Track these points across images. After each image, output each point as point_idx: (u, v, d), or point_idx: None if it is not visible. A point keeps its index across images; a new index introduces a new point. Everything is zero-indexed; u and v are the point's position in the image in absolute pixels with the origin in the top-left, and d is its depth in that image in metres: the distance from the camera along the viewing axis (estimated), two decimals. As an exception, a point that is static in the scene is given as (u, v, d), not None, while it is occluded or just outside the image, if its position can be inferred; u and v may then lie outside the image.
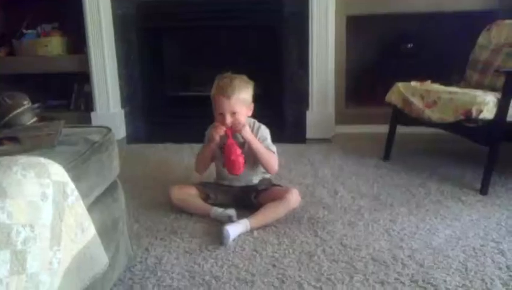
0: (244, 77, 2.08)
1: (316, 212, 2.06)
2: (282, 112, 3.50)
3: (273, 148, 2.14)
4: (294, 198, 1.98)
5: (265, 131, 2.15)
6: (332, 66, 3.28)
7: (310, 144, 3.19)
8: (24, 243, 0.95)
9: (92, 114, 3.51)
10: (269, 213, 1.94)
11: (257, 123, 2.15)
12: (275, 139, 3.19)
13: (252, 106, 2.08)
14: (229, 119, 2.00)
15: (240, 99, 2.00)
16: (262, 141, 2.11)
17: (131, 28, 3.49)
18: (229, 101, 1.99)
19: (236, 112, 2.00)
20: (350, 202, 2.17)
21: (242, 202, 2.08)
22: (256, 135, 2.09)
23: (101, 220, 1.38)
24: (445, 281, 1.51)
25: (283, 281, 1.53)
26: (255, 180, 2.16)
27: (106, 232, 1.41)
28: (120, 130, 3.50)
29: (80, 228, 1.14)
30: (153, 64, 3.64)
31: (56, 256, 1.04)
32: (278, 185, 2.16)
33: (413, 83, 2.59)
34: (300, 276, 1.55)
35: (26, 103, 1.39)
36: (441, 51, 3.49)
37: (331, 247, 1.74)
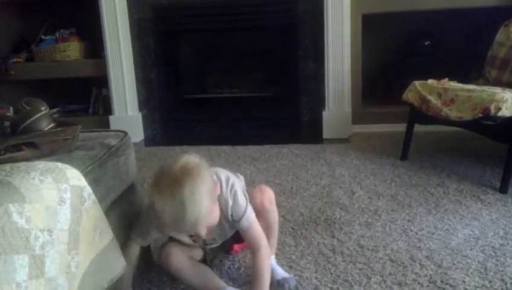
0: (193, 171, 1.24)
1: (333, 213, 2.05)
2: (298, 112, 3.49)
3: (254, 225, 1.43)
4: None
5: (240, 207, 1.41)
6: (348, 65, 3.26)
7: (326, 144, 3.18)
8: (42, 248, 0.97)
9: (110, 118, 3.55)
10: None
11: (229, 198, 1.40)
12: (292, 139, 3.22)
13: (217, 187, 1.36)
14: (204, 232, 1.29)
15: (205, 222, 1.26)
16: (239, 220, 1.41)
17: (147, 32, 3.52)
18: (193, 229, 1.26)
19: (206, 228, 1.30)
20: (367, 202, 2.16)
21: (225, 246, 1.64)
22: (232, 217, 1.41)
23: (118, 224, 1.40)
24: (464, 281, 1.49)
25: (300, 283, 1.53)
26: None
27: (123, 236, 1.43)
28: (138, 133, 3.53)
29: (98, 232, 1.16)
30: (170, 67, 3.67)
31: (74, 260, 1.06)
32: None
33: (430, 81, 2.55)
34: (317, 278, 1.55)
35: (44, 109, 1.42)
36: (459, 48, 3.45)
37: (348, 248, 1.73)
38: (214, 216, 1.33)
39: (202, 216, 1.22)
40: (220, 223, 1.40)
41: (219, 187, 1.37)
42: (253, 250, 1.42)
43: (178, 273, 1.48)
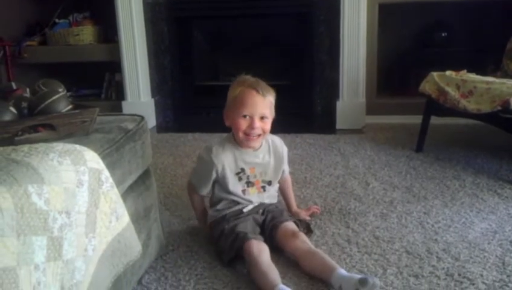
0: None
1: (347, 203, 2.03)
2: (312, 101, 3.47)
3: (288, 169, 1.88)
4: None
5: (286, 151, 1.81)
6: (363, 55, 3.23)
7: (340, 134, 3.15)
8: (60, 230, 0.95)
9: (123, 103, 3.54)
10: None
11: (278, 140, 1.79)
12: (305, 129, 3.20)
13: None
14: (258, 123, 1.60)
15: (271, 103, 1.64)
16: (283, 161, 1.78)
17: (161, 17, 3.50)
18: (263, 99, 1.59)
19: (267, 117, 1.62)
20: (382, 193, 2.13)
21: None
22: (280, 155, 1.75)
23: (133, 208, 1.39)
24: (481, 275, 1.47)
25: (315, 272, 1.51)
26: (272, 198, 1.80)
27: (138, 220, 1.42)
28: (150, 119, 3.51)
29: (115, 215, 1.15)
30: (183, 54, 3.65)
31: (91, 243, 1.05)
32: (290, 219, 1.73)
33: (448, 72, 2.51)
34: (332, 267, 1.53)
35: (61, 91, 1.40)
36: (476, 39, 3.39)
37: (363, 239, 1.71)
38: (269, 123, 1.64)
39: (272, 94, 1.63)
40: (266, 155, 1.71)
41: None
42: (287, 182, 1.89)
43: (255, 261, 1.46)
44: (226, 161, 1.66)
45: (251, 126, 1.59)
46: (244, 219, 1.66)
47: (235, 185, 1.68)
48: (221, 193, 1.72)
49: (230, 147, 1.68)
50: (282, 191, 1.90)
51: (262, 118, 1.60)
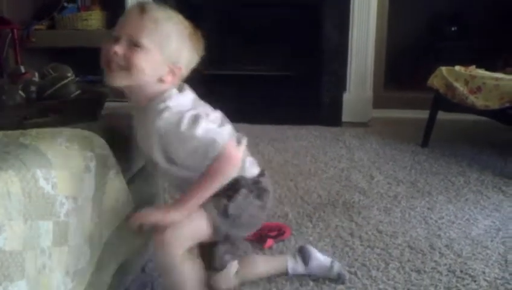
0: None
1: (352, 196, 2.03)
2: (318, 93, 3.44)
3: (214, 135, 1.18)
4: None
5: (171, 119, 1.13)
6: (372, 48, 3.21)
7: (345, 127, 3.14)
8: (67, 215, 0.96)
9: (129, 90, 3.54)
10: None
11: (168, 114, 1.13)
12: (311, 121, 3.19)
13: (178, 70, 1.21)
14: (119, 48, 1.08)
15: (159, 31, 1.09)
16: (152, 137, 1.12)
17: (169, 3, 3.46)
18: (140, 17, 1.09)
19: (140, 45, 1.08)
20: (386, 187, 2.13)
21: None
22: (148, 127, 1.13)
23: (138, 195, 1.39)
24: (483, 272, 1.47)
25: (317, 264, 1.52)
26: None
27: (143, 207, 1.42)
28: (156, 106, 3.51)
29: (120, 202, 1.16)
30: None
31: (97, 229, 1.06)
32: None
33: (457, 68, 2.50)
34: (334, 260, 1.54)
35: (70, 75, 1.41)
36: (486, 34, 3.36)
37: (366, 233, 1.71)
38: (150, 60, 1.09)
39: (169, 22, 1.12)
40: (149, 120, 1.12)
41: (176, 73, 1.19)
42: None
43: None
44: None
45: (107, 50, 1.10)
46: None
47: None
48: None
49: None
50: None
51: (133, 44, 1.08)
